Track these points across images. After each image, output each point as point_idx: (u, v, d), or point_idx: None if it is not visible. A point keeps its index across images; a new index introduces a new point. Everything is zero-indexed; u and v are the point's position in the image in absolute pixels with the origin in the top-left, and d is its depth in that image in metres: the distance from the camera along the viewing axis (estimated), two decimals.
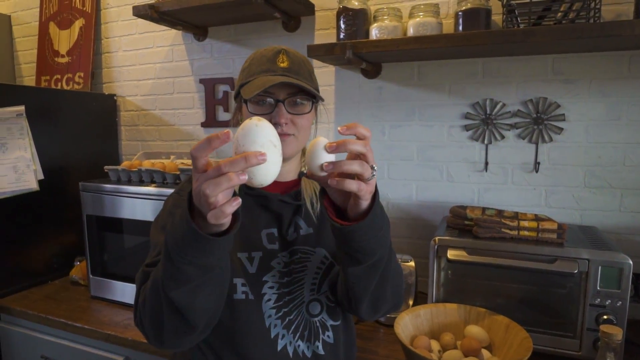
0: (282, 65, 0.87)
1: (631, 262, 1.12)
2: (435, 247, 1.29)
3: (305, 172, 0.97)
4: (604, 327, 0.97)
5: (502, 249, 1.23)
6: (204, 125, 2.01)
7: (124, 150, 2.24)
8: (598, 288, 1.15)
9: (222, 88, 1.94)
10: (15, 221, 1.76)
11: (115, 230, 1.66)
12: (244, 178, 0.59)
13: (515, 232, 1.27)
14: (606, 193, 1.46)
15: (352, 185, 0.65)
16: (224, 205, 0.58)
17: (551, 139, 1.49)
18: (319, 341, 0.91)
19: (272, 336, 0.87)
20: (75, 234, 1.93)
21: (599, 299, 1.16)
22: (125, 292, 1.64)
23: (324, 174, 0.66)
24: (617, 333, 0.94)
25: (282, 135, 0.85)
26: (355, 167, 0.65)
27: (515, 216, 1.36)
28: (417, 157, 1.66)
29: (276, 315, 0.88)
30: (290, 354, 0.88)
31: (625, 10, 1.35)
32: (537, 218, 1.33)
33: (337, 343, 0.94)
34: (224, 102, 1.94)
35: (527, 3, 1.28)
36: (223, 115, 1.96)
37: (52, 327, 1.57)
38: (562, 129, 1.47)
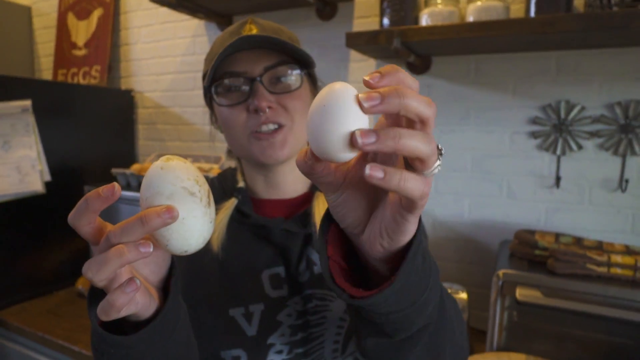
0: (249, 33, 0.63)
1: None
2: (500, 282, 1.03)
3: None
4: None
5: (589, 290, 0.96)
6: None
7: (140, 151, 2.06)
8: None
9: None
10: (18, 226, 1.60)
11: None
12: (146, 250, 0.39)
13: (604, 269, 1.00)
14: None
15: (415, 183, 0.33)
16: (114, 293, 0.39)
17: None
18: None
19: None
20: (83, 241, 1.76)
21: None
22: None
23: (351, 155, 0.34)
24: None
25: (266, 133, 0.63)
26: (418, 142, 0.33)
27: (600, 247, 1.09)
28: (471, 169, 1.40)
29: None
30: None
31: None
32: (629, 251, 1.06)
33: None
34: None
35: None
36: None
37: (50, 348, 1.40)
38: None
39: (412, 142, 0.33)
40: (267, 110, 0.62)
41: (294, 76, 0.65)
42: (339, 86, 0.35)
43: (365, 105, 0.32)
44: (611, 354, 1.01)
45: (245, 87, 0.64)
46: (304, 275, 0.67)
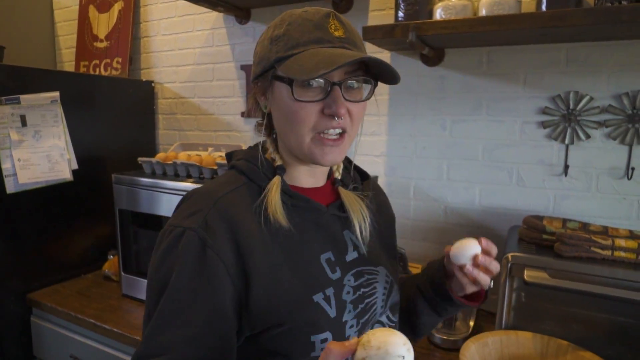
0: (336, 34, 0.64)
1: None
2: (509, 265, 1.10)
3: (339, 178, 0.79)
4: None
5: (593, 272, 1.02)
6: (244, 115, 1.87)
7: (160, 140, 2.14)
8: None
9: None
10: (48, 212, 1.68)
11: (148, 226, 1.55)
12: None
13: (608, 252, 1.06)
14: None
15: (487, 280, 0.72)
16: None
17: None
18: None
19: None
20: (109, 227, 1.84)
21: None
22: None
23: (467, 262, 0.72)
24: None
25: (331, 139, 0.66)
26: (495, 269, 0.73)
27: (605, 231, 1.15)
28: (482, 157, 1.45)
29: None
30: None
31: None
32: (633, 235, 1.11)
33: None
34: None
35: None
36: None
37: (82, 326, 1.49)
38: None
39: (494, 268, 0.73)
40: (343, 116, 0.64)
41: (364, 88, 0.68)
42: (470, 241, 0.73)
43: (480, 253, 0.72)
44: (614, 333, 1.07)
45: (323, 87, 0.63)
46: (351, 255, 0.74)
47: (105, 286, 1.73)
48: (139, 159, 1.57)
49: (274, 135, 0.75)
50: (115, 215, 1.59)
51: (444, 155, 1.50)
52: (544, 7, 1.18)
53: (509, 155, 1.42)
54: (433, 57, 1.45)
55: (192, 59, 1.99)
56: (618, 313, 1.05)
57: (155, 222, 1.51)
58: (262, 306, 0.63)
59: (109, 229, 1.86)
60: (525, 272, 1.06)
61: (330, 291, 0.68)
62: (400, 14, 1.33)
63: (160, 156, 1.56)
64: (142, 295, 1.57)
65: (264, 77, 0.69)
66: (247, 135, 1.88)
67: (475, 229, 1.48)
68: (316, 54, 0.61)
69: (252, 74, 0.72)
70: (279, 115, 0.69)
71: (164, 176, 1.53)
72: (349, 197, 0.77)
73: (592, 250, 1.07)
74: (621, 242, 1.06)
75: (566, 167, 1.35)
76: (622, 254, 1.05)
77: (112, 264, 1.78)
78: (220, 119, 1.95)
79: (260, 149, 0.74)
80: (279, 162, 0.72)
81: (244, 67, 1.84)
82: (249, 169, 0.72)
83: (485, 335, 1.07)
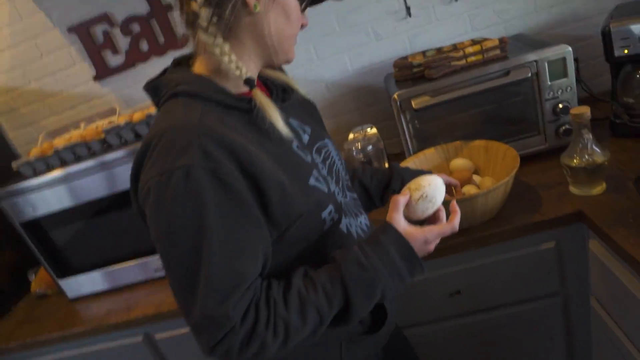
0: None
1: (570, 49, 1.21)
2: (398, 102, 1.29)
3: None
4: (574, 111, 1.06)
5: (460, 80, 1.26)
6: (97, 78, 1.73)
7: (16, 143, 1.91)
8: (549, 83, 1.24)
9: (99, 29, 1.65)
10: None
11: (60, 224, 1.47)
12: None
13: (463, 62, 1.30)
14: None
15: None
16: None
17: None
18: (361, 214, 0.91)
19: (347, 234, 0.82)
20: (14, 249, 1.70)
21: (551, 92, 1.25)
22: (100, 279, 1.53)
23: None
24: (586, 111, 1.04)
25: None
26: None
27: (455, 48, 1.38)
28: (338, 27, 1.58)
29: (345, 217, 0.82)
30: (355, 236, 0.84)
31: None
32: (475, 42, 1.36)
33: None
34: (109, 45, 1.66)
35: None
36: (115, 60, 1.70)
37: (52, 344, 1.44)
38: None
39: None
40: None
41: None
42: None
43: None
44: (486, 119, 1.36)
45: None
46: (305, 138, 0.83)
47: (45, 304, 1.64)
48: (14, 163, 1.42)
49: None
50: (20, 232, 1.47)
51: (306, 38, 1.60)
52: None
53: (360, 17, 1.56)
54: None
55: (4, 42, 1.73)
56: (484, 103, 1.33)
57: (64, 216, 1.43)
58: (281, 210, 0.68)
59: (15, 253, 1.71)
60: (412, 102, 1.27)
61: (315, 172, 0.77)
62: None
63: (35, 152, 1.43)
64: (92, 289, 1.55)
65: None
66: (110, 97, 1.77)
67: (357, 91, 1.66)
68: None
69: None
70: (280, 13, 0.71)
71: (49, 169, 1.41)
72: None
73: (451, 64, 1.30)
74: (469, 50, 1.30)
75: (407, 8, 1.54)
76: (473, 58, 1.30)
77: (39, 281, 1.68)
78: (72, 92, 1.79)
79: (231, 61, 0.69)
80: (244, 73, 0.70)
81: (71, 30, 1.66)
82: (204, 91, 0.69)
83: (403, 164, 1.29)
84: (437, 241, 0.76)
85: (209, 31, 0.68)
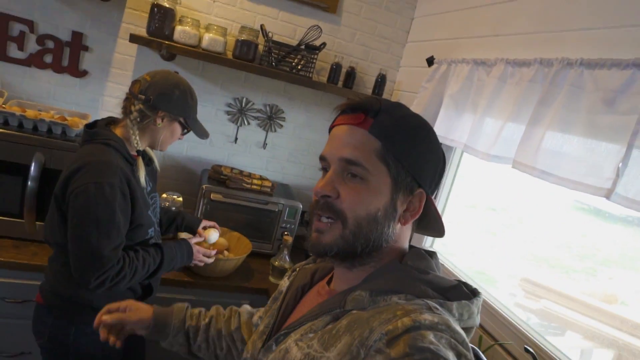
0: None
1: (301, 205, 2.22)
2: (203, 191, 2.08)
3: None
4: (285, 237, 2.01)
5: (242, 195, 2.13)
6: None
7: None
8: (285, 218, 2.21)
9: (19, 27, 2.04)
10: None
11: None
12: None
13: (249, 186, 2.20)
14: (298, 166, 2.56)
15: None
16: None
17: (275, 130, 2.47)
18: (160, 234, 1.61)
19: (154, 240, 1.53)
20: None
21: (284, 224, 2.22)
22: None
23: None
24: (289, 239, 2.00)
25: None
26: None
27: (249, 176, 2.29)
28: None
29: (154, 234, 1.53)
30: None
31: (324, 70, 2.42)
32: (260, 178, 2.29)
33: None
34: (19, 41, 2.05)
35: (279, 45, 2.16)
36: (16, 53, 2.08)
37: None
38: (282, 125, 2.47)
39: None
40: None
41: None
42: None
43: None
44: (248, 224, 2.23)
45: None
46: (149, 187, 1.53)
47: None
48: None
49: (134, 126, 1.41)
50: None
51: None
52: (237, 52, 2.15)
53: (207, 128, 2.37)
54: (168, 57, 2.22)
55: None
56: (249, 213, 2.22)
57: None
58: (135, 216, 1.38)
59: None
60: (211, 195, 2.08)
61: (150, 208, 1.49)
62: (152, 26, 2.03)
63: (15, 109, 1.77)
64: None
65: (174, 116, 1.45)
66: None
67: (183, 169, 2.40)
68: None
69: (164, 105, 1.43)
70: (169, 131, 1.47)
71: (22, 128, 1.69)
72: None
73: (243, 185, 2.18)
74: (255, 181, 2.21)
75: (236, 138, 2.43)
76: (255, 186, 2.21)
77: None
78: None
79: (133, 136, 1.42)
80: (139, 146, 1.43)
81: None
82: (119, 147, 1.38)
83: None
84: (202, 257, 1.60)
85: (133, 121, 1.40)
